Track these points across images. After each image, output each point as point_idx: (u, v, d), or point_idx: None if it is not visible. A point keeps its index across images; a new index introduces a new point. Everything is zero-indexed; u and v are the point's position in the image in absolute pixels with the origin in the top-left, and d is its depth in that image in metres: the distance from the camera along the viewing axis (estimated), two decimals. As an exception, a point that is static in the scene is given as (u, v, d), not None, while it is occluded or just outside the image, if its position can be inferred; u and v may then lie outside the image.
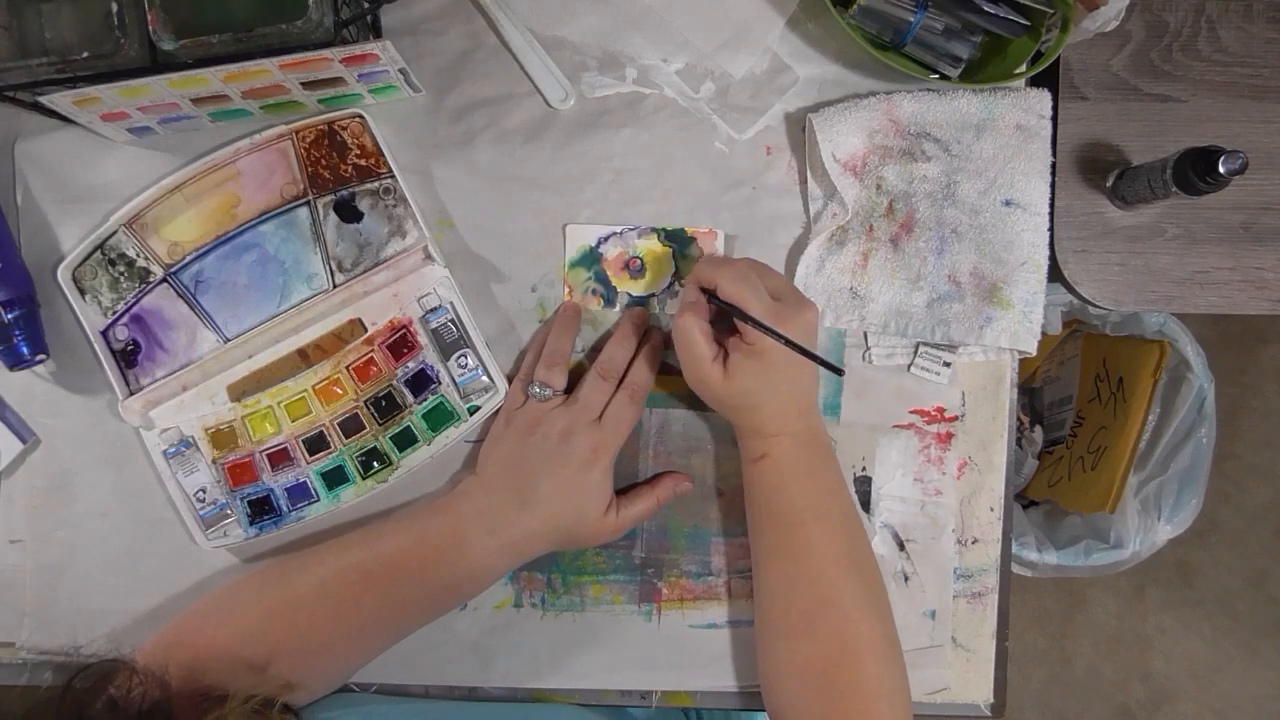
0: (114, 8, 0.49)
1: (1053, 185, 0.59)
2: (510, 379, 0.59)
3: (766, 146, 0.61)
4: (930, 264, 0.58)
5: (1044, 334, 0.59)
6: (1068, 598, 1.45)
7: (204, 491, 0.58)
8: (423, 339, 0.59)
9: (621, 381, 0.56)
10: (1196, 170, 0.58)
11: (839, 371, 0.51)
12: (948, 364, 0.59)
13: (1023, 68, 0.58)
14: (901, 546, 0.59)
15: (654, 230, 0.60)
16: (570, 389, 0.57)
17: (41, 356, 0.58)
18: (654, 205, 0.60)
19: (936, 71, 0.59)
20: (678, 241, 0.60)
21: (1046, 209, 0.59)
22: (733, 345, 0.53)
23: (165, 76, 0.50)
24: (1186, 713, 1.43)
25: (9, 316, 0.57)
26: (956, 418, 0.60)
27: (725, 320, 0.54)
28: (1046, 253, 0.58)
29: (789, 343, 0.50)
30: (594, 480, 0.54)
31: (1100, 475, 1.11)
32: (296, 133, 0.59)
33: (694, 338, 0.52)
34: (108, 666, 0.45)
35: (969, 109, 0.59)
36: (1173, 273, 0.67)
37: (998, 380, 0.60)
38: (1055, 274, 0.65)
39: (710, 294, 0.53)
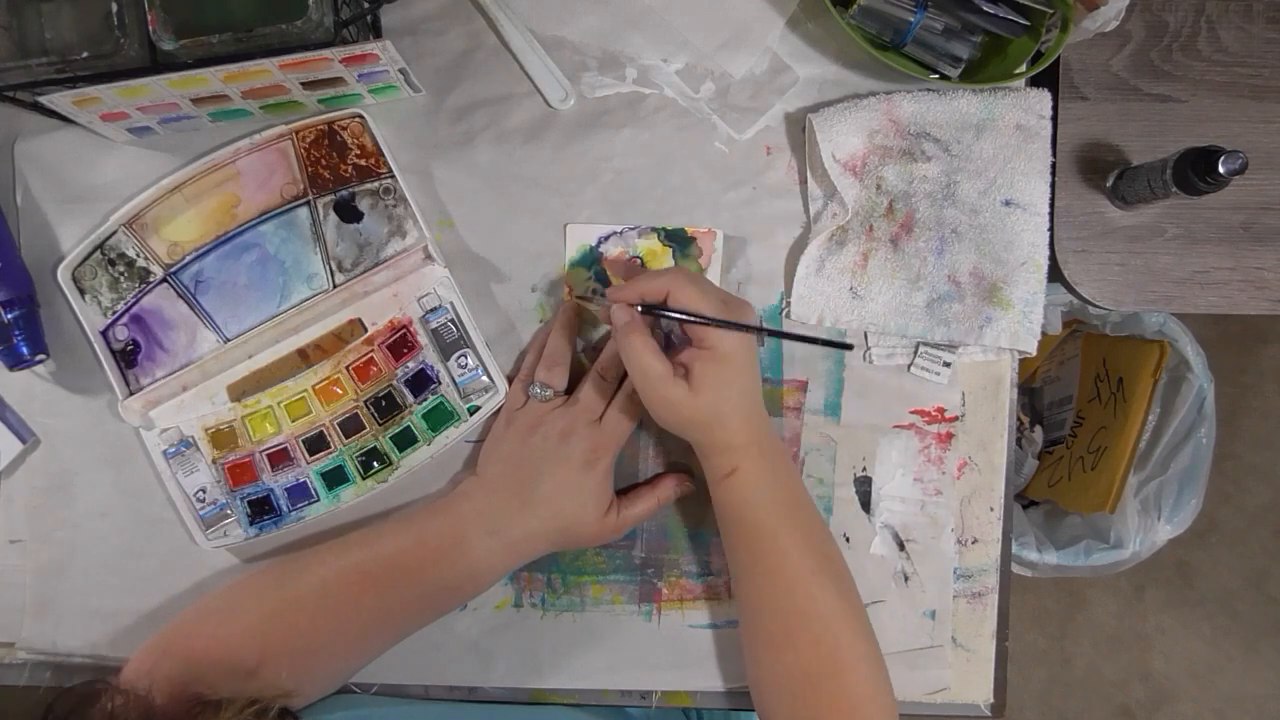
0: (114, 8, 0.49)
1: (1053, 185, 0.59)
2: (510, 379, 0.59)
3: (766, 146, 0.61)
4: (930, 264, 0.58)
5: (1044, 334, 0.59)
6: (1068, 598, 1.45)
7: (204, 491, 0.58)
8: (423, 339, 0.59)
9: (622, 381, 0.56)
10: (1196, 170, 0.58)
11: (848, 347, 0.50)
12: (948, 364, 0.59)
13: (1023, 68, 0.58)
14: (901, 546, 0.59)
15: (654, 230, 0.60)
16: (571, 389, 0.57)
17: (41, 356, 0.58)
18: (654, 205, 0.60)
19: (936, 71, 0.59)
20: (678, 241, 0.60)
21: (1046, 209, 0.59)
22: (689, 358, 0.50)
23: (165, 76, 0.50)
24: (1186, 713, 1.43)
25: (9, 316, 0.57)
26: (956, 418, 0.60)
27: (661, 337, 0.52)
28: (1046, 253, 0.58)
29: (782, 334, 0.48)
30: (594, 480, 0.54)
31: (1100, 475, 1.11)
32: (296, 133, 0.59)
33: (647, 359, 0.49)
34: (87, 689, 0.44)
35: (969, 109, 0.59)
36: (1173, 273, 0.67)
37: (998, 380, 0.60)
38: (1055, 274, 0.65)
39: (651, 309, 0.51)
